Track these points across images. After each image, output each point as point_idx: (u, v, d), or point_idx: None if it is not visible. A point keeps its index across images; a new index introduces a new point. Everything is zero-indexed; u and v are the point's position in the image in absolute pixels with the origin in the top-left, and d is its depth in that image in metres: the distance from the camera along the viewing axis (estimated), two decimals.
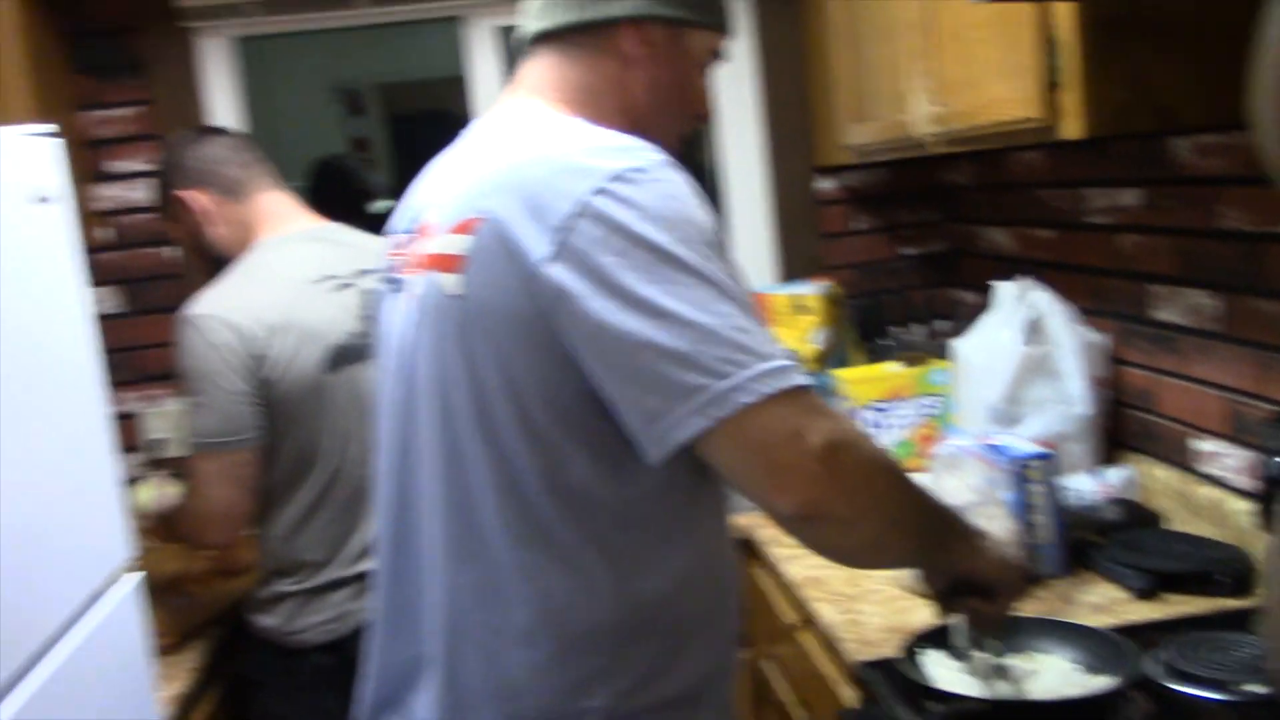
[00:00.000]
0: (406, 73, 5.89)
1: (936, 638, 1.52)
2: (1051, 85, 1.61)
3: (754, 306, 1.11)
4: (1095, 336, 2.19)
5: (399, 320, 1.28)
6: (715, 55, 1.38)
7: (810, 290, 2.73)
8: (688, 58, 1.35)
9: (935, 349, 2.67)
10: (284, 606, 2.01)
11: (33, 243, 1.33)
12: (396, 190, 3.08)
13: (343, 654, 1.99)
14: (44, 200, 1.33)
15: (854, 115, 2.53)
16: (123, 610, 1.50)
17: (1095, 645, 1.48)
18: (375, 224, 2.24)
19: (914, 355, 2.55)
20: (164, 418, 2.89)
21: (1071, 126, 1.59)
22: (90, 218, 2.74)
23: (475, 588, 1.20)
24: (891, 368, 2.48)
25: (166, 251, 2.86)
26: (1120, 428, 2.22)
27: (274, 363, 1.93)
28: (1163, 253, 2.02)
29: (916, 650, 1.50)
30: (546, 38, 1.33)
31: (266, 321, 1.93)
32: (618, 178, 1.10)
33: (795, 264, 2.98)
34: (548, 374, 1.12)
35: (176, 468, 2.70)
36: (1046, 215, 2.44)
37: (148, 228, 2.84)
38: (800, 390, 1.08)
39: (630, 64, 1.31)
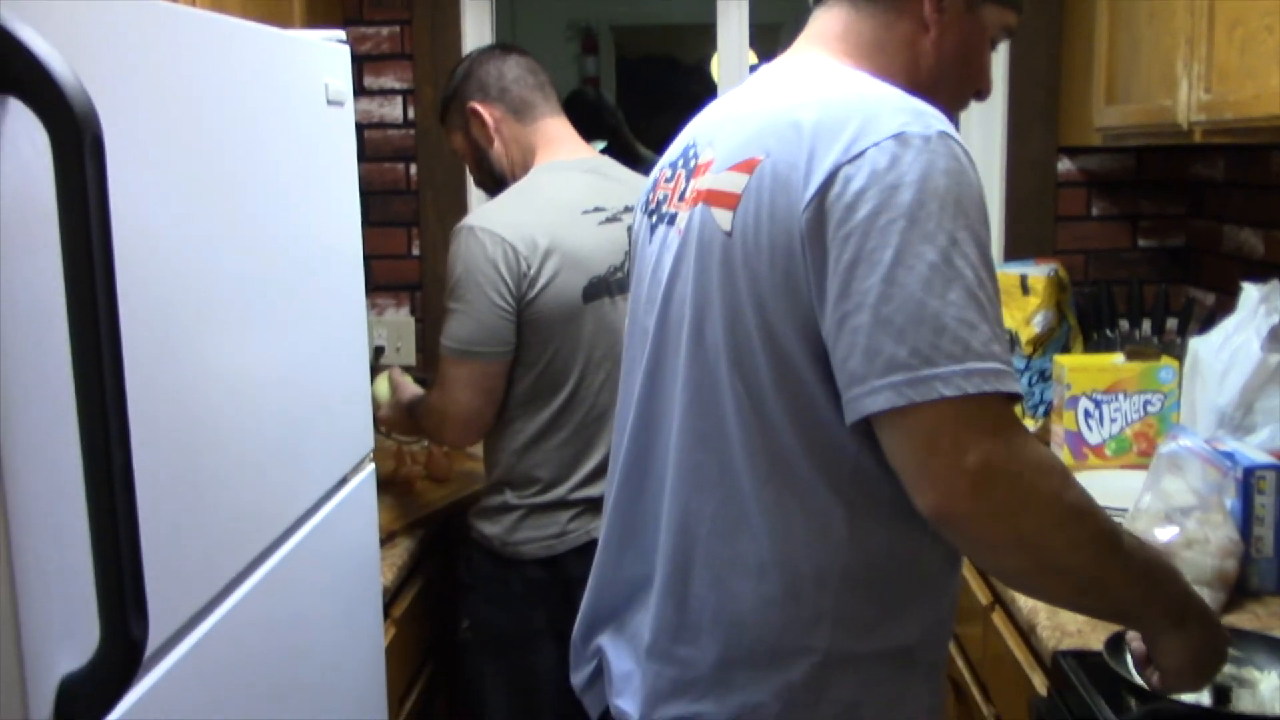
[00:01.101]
0: (643, 16, 5.95)
1: None
2: None
3: (993, 301, 1.09)
4: None
5: (661, 251, 1.31)
6: (1005, 32, 1.37)
7: (1037, 271, 2.66)
8: (980, 30, 1.34)
9: (1163, 347, 2.57)
10: (507, 518, 2.10)
11: (323, 143, 1.42)
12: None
13: (556, 571, 2.08)
14: (335, 103, 1.42)
15: (1110, 97, 2.45)
16: (360, 495, 1.60)
17: None
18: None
19: (1140, 350, 2.46)
20: (386, 326, 3.04)
21: None
22: None
23: (713, 517, 1.23)
24: (1116, 360, 2.41)
25: (406, 167, 2.98)
26: None
27: (538, 284, 2.01)
28: None
29: (1123, 644, 1.47)
30: None
31: (537, 244, 2.01)
32: (898, 137, 1.10)
33: (1026, 243, 2.91)
34: (804, 316, 1.14)
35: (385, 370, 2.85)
36: None
37: (393, 143, 2.97)
38: (997, 400, 1.05)
39: (924, 28, 1.30)
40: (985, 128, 2.93)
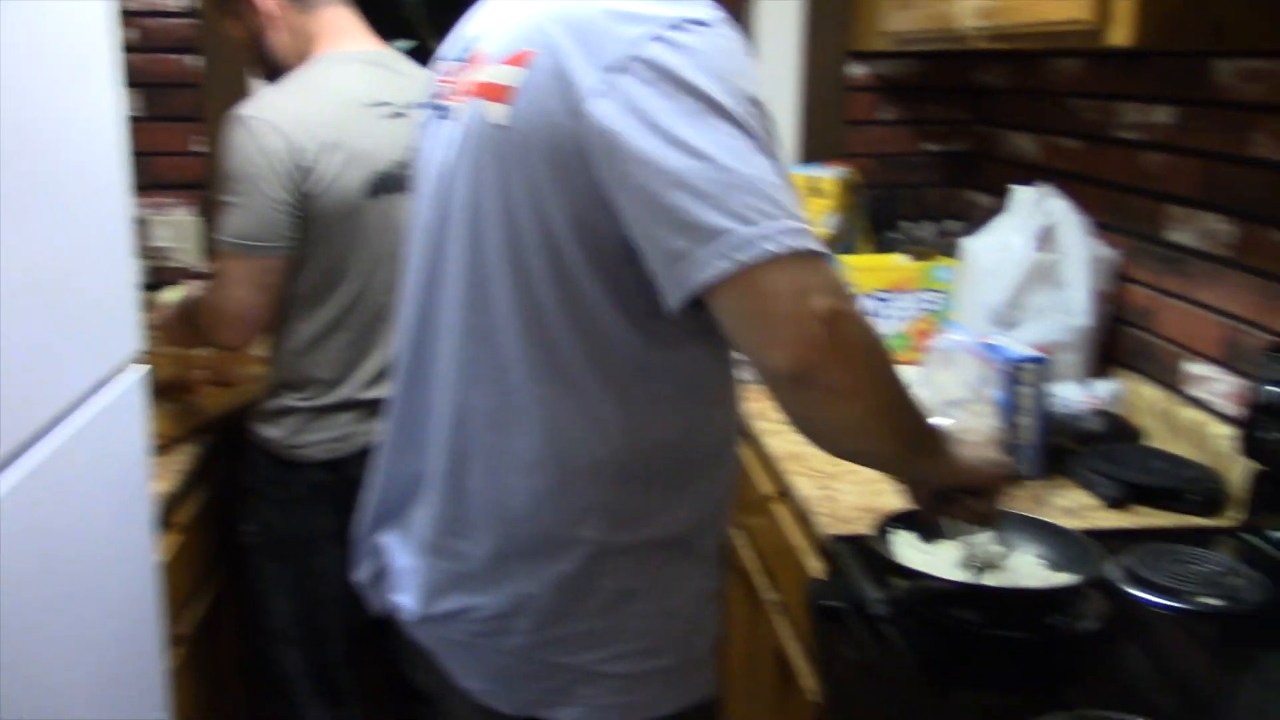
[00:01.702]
0: None
1: (909, 519, 1.57)
2: None
3: (787, 174, 1.11)
4: (1105, 251, 2.20)
5: (440, 146, 1.29)
6: None
7: (828, 174, 2.72)
8: None
9: (944, 247, 2.67)
10: (289, 420, 2.05)
11: (74, 31, 1.33)
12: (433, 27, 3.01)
13: (342, 473, 2.04)
14: None
15: (899, 2, 2.49)
16: (127, 399, 1.53)
17: (1062, 544, 1.52)
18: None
19: (922, 250, 2.55)
20: (171, 226, 2.90)
21: (1120, 33, 1.58)
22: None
23: (487, 412, 1.24)
24: (898, 259, 2.49)
25: (189, 59, 2.83)
26: (1116, 343, 2.24)
27: (318, 178, 1.94)
28: (1186, 174, 2.02)
29: (889, 529, 1.54)
30: None
31: (318, 136, 1.94)
32: (675, 26, 1.10)
33: (817, 147, 2.96)
34: (582, 213, 1.14)
35: (180, 278, 2.72)
36: (1075, 125, 2.42)
37: (173, 32, 2.81)
38: (818, 256, 1.08)
39: None
40: (779, 31, 2.95)
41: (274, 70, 2.13)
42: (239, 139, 1.94)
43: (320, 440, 2.05)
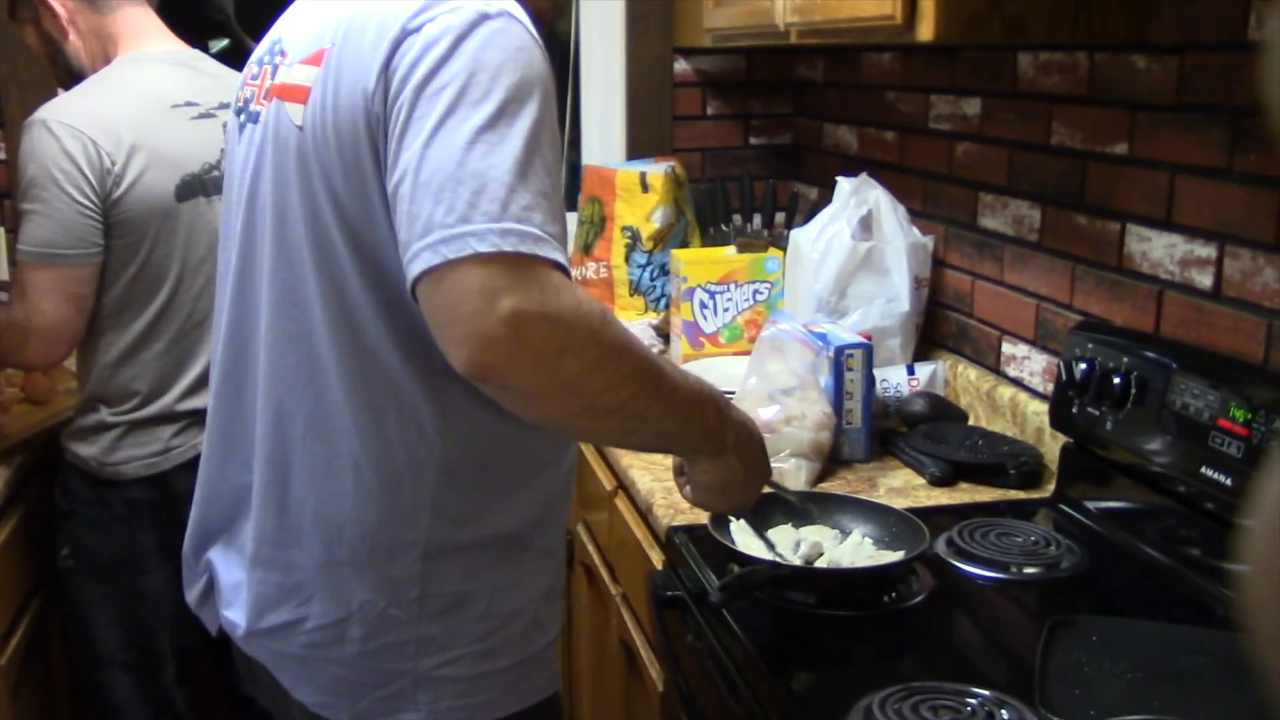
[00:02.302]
0: None
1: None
2: None
3: (544, 176, 1.07)
4: (923, 238, 2.27)
5: (247, 151, 1.27)
6: None
7: (655, 169, 2.75)
8: None
9: (772, 239, 2.73)
10: (105, 437, 1.97)
11: None
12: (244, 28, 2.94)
13: (162, 488, 1.97)
14: None
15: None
16: None
17: (890, 523, 1.57)
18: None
19: (751, 242, 2.60)
20: None
21: (925, 29, 1.63)
22: None
23: (306, 418, 1.22)
24: (728, 252, 2.53)
25: None
26: (935, 327, 2.33)
27: (123, 182, 1.87)
28: (995, 163, 2.11)
29: (725, 518, 1.57)
30: None
31: (121, 137, 1.87)
32: (455, 10, 1.09)
33: (645, 143, 2.99)
34: (380, 206, 1.12)
35: None
36: (891, 117, 2.50)
37: None
38: (534, 261, 1.03)
39: None
40: (605, 29, 2.97)
41: (74, 77, 2.05)
42: (37, 143, 1.86)
43: (139, 455, 1.98)
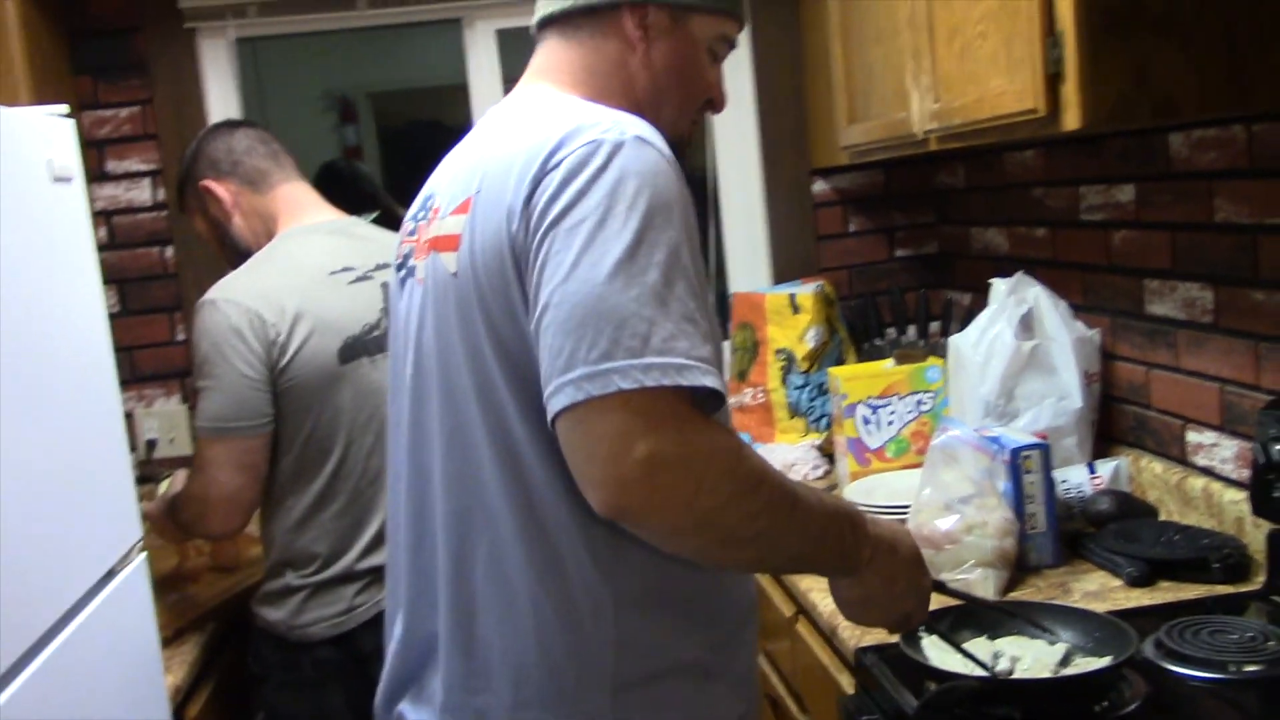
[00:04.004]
0: (399, 81, 5.90)
1: (934, 621, 1.54)
2: (1052, 77, 1.63)
3: (686, 299, 1.08)
4: (1087, 331, 2.21)
5: (409, 304, 1.31)
6: (726, 42, 1.39)
7: (804, 290, 2.75)
8: (692, 43, 1.35)
9: (929, 348, 2.69)
10: (291, 600, 2.01)
11: (52, 222, 1.34)
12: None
13: (349, 648, 2.00)
14: (62, 180, 1.34)
15: (851, 116, 2.55)
16: (132, 587, 1.51)
17: (1092, 628, 1.49)
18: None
19: (909, 353, 2.56)
20: (158, 417, 2.90)
21: (1071, 118, 1.61)
22: None
23: (484, 560, 1.22)
24: (886, 365, 2.50)
25: (168, 251, 2.86)
26: (1112, 422, 2.24)
27: (289, 351, 1.94)
28: (1156, 247, 2.05)
29: (916, 633, 1.51)
30: (552, 22, 1.35)
31: (284, 308, 1.95)
32: (591, 144, 1.11)
33: (790, 265, 3.00)
34: (531, 342, 1.13)
35: (169, 469, 2.71)
36: (1040, 214, 2.46)
37: (144, 227, 2.86)
38: (674, 395, 1.04)
39: (631, 47, 1.32)
40: (741, 157, 3.02)
41: (242, 256, 2.15)
42: (207, 321, 1.94)
43: (324, 616, 2.01)
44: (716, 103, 1.42)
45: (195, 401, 1.97)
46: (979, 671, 1.40)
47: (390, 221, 2.29)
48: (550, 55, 1.36)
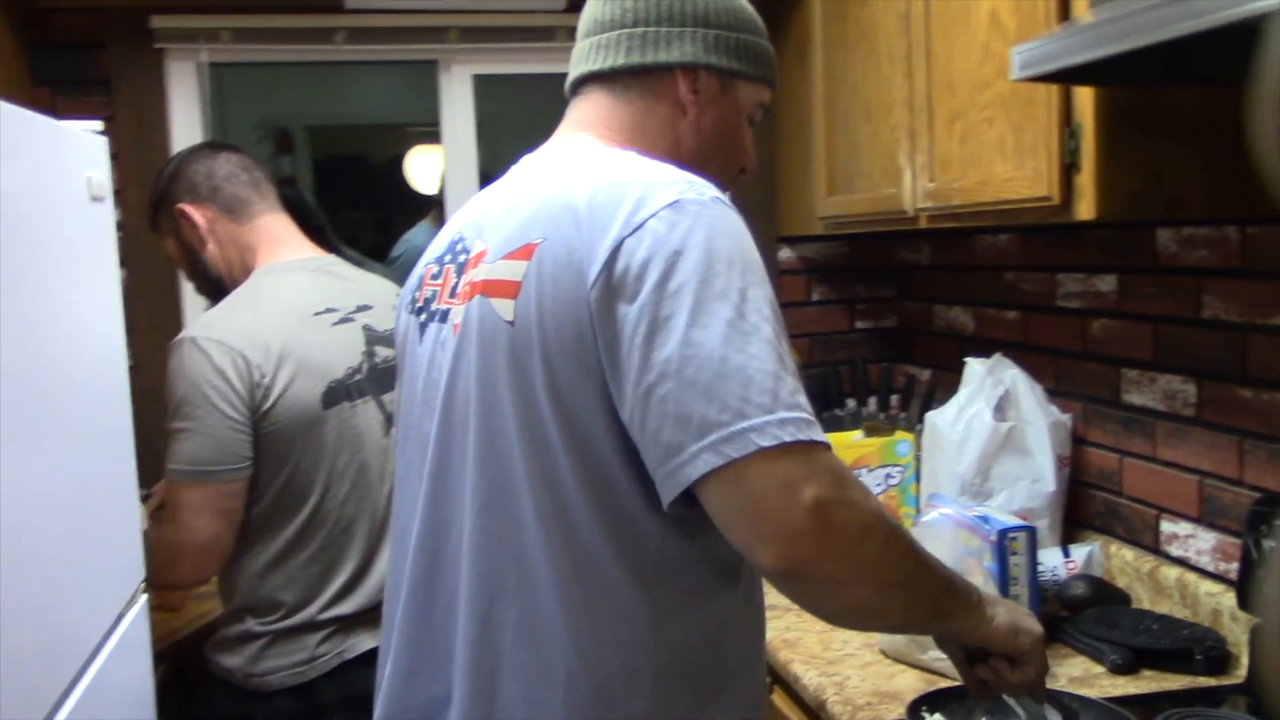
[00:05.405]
0: (336, 116, 5.87)
1: (939, 701, 1.53)
2: (1067, 167, 1.66)
3: (789, 355, 1.10)
4: (1061, 415, 2.24)
5: (435, 351, 1.26)
6: (762, 109, 1.41)
7: None
8: (736, 108, 1.36)
9: (891, 421, 2.71)
10: (249, 647, 1.92)
11: (86, 244, 1.28)
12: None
13: (308, 699, 1.92)
14: (97, 200, 1.28)
15: (831, 188, 2.58)
16: (136, 633, 1.43)
17: (1092, 715, 1.50)
18: None
19: (875, 426, 2.58)
20: None
21: (1085, 208, 1.64)
22: None
23: (515, 625, 1.17)
24: (854, 437, 2.51)
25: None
26: (1080, 506, 2.27)
27: (273, 394, 1.87)
28: (1138, 338, 2.09)
29: (921, 713, 1.50)
30: (597, 78, 1.34)
31: (269, 349, 1.88)
32: (674, 205, 1.11)
33: None
34: (602, 399, 1.11)
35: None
36: (1012, 296, 2.50)
37: None
38: (813, 446, 1.05)
39: (682, 110, 1.33)
40: None
41: (214, 284, 2.08)
42: (185, 361, 1.86)
43: (284, 665, 1.93)
44: (749, 168, 1.43)
45: (168, 443, 1.88)
46: None
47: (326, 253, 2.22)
48: (594, 109, 1.34)
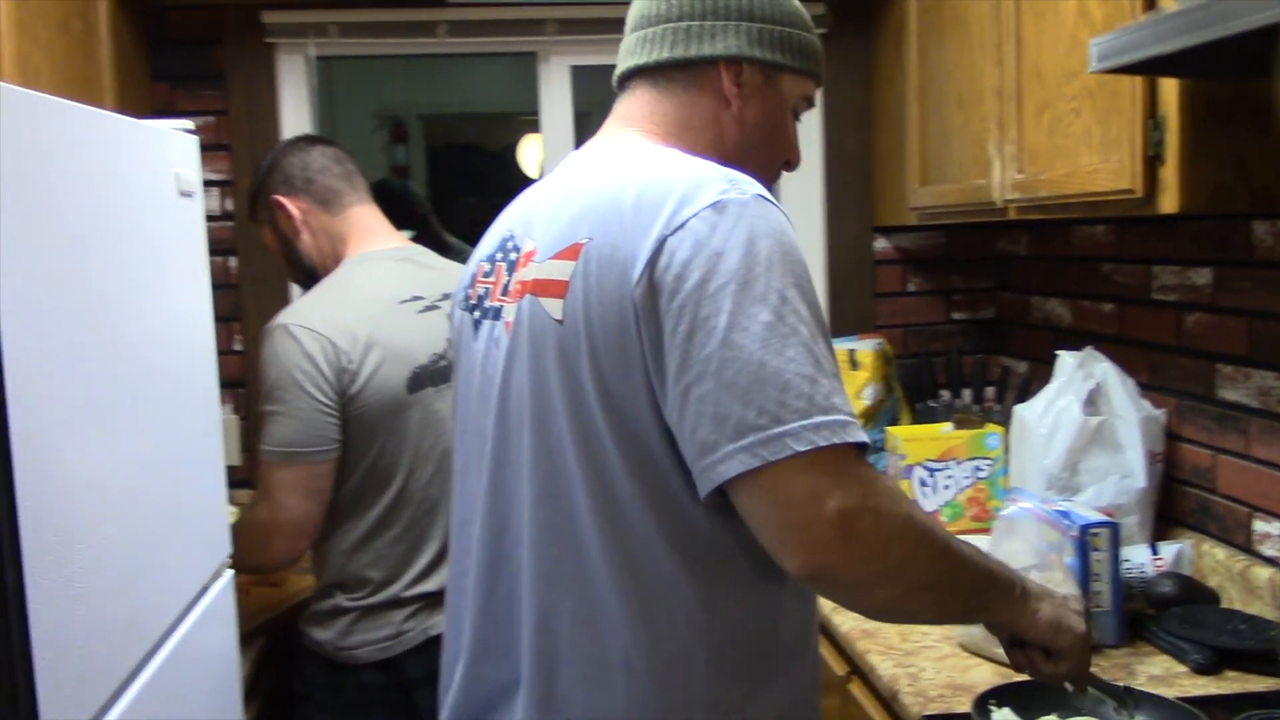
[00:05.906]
0: (449, 105, 5.97)
1: (1007, 695, 1.53)
2: (1151, 159, 1.64)
3: (829, 356, 1.11)
4: (1154, 411, 2.21)
5: (489, 348, 1.29)
6: (806, 101, 1.41)
7: (864, 347, 2.75)
8: (780, 101, 1.37)
9: (984, 414, 2.68)
10: (339, 621, 2.01)
11: (176, 238, 1.36)
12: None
13: (394, 673, 1.99)
14: (186, 195, 1.35)
15: (924, 178, 2.56)
16: (222, 605, 1.51)
17: (1166, 714, 1.48)
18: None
19: (966, 418, 2.56)
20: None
21: (1169, 201, 1.62)
22: None
23: (573, 612, 1.20)
24: (944, 429, 2.49)
25: (232, 262, 2.88)
26: (1173, 503, 2.23)
27: (360, 378, 1.95)
28: (1232, 333, 2.04)
29: (988, 706, 1.50)
30: (642, 73, 1.36)
31: (356, 336, 1.95)
32: (716, 205, 1.12)
33: (847, 320, 3.00)
34: (649, 395, 1.13)
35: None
36: (1108, 289, 2.46)
37: (211, 236, 2.83)
38: (847, 450, 1.06)
39: (725, 102, 1.34)
40: (805, 210, 3.03)
41: (307, 273, 2.16)
42: (279, 347, 1.95)
43: (372, 640, 2.01)
44: (793, 161, 1.43)
45: (261, 425, 1.97)
46: None
47: (431, 244, 2.30)
48: (639, 105, 1.36)
